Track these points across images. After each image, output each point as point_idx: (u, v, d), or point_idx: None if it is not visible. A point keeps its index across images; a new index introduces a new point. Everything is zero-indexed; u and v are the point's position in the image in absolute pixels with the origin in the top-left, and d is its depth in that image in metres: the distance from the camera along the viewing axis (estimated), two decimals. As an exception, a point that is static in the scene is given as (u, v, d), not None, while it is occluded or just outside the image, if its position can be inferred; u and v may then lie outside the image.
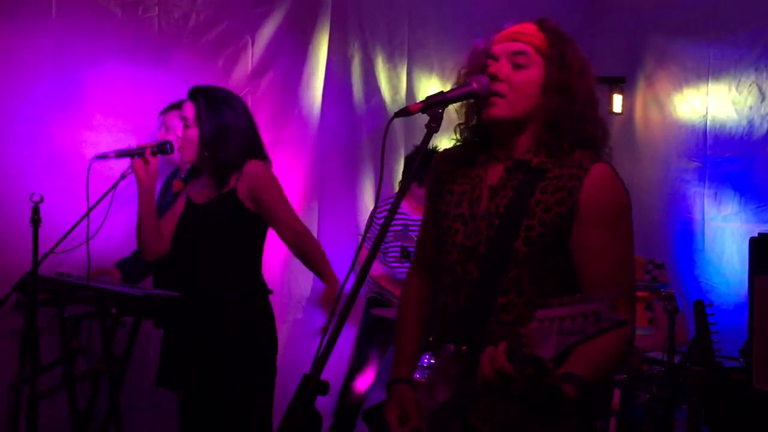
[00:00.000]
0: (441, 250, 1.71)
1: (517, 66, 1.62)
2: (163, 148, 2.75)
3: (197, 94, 2.74)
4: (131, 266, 3.37)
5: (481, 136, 1.71)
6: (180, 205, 2.83)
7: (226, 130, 2.69)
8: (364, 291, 4.01)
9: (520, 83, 1.61)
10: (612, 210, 1.57)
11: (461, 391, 1.48)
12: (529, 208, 1.58)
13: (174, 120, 3.22)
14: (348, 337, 4.05)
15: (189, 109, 2.72)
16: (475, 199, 1.66)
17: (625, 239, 1.58)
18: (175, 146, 2.76)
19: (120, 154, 2.78)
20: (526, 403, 1.39)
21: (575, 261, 1.58)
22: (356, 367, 3.94)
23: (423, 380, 1.68)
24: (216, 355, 2.67)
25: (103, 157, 2.81)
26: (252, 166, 2.71)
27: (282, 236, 2.76)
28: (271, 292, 2.83)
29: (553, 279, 1.59)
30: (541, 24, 1.66)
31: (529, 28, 1.65)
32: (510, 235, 1.58)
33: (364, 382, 3.94)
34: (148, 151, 2.70)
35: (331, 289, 2.75)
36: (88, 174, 2.70)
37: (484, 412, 1.58)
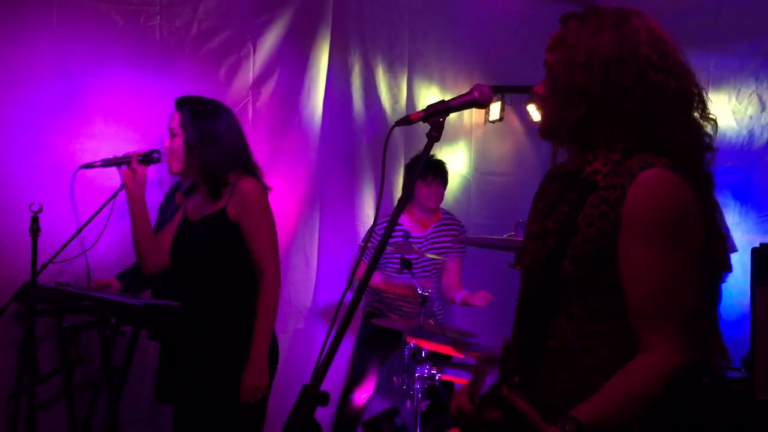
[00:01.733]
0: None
1: (546, 75, 1.58)
2: (149, 157, 2.75)
3: (183, 103, 2.75)
4: (131, 278, 3.36)
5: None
6: (178, 219, 2.82)
7: (209, 138, 2.65)
8: (362, 304, 4.00)
9: (543, 94, 1.57)
10: (657, 220, 1.35)
11: (506, 418, 1.36)
12: (576, 224, 1.44)
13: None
14: (346, 349, 4.03)
15: (175, 119, 2.73)
16: (542, 216, 1.57)
17: (677, 255, 1.34)
18: (164, 156, 2.76)
19: (106, 163, 2.79)
20: None
21: (622, 282, 1.38)
22: (355, 379, 3.92)
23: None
24: (211, 369, 2.65)
25: (89, 166, 2.82)
26: (246, 184, 2.65)
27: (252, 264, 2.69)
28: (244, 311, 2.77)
29: (608, 300, 1.40)
30: (562, 19, 1.56)
31: (554, 32, 1.58)
32: (558, 254, 1.44)
33: (363, 393, 3.92)
34: (134, 160, 2.71)
35: (253, 368, 2.56)
36: (73, 183, 2.74)
37: None
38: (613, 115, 1.45)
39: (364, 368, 3.90)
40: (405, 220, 3.95)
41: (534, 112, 4.16)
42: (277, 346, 2.78)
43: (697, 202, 1.39)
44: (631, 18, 1.50)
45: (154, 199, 3.38)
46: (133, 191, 2.72)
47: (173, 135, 2.72)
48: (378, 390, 4.22)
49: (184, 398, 2.70)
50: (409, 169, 4.04)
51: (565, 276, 1.42)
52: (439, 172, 3.91)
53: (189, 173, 2.74)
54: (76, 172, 2.78)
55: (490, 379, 1.38)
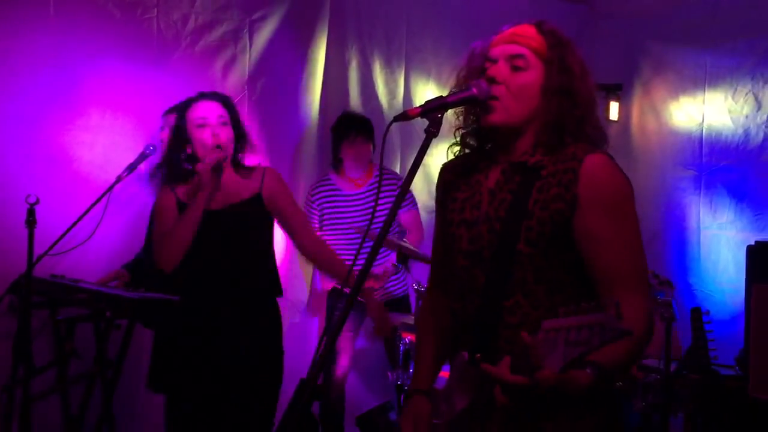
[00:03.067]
0: (449, 258, 1.70)
1: (515, 68, 1.61)
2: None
3: (212, 93, 2.74)
4: (140, 266, 3.33)
5: (480, 139, 1.71)
6: (171, 210, 2.68)
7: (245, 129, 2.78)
8: (326, 286, 4.01)
9: (519, 86, 1.60)
10: (613, 197, 1.55)
11: (479, 399, 1.49)
12: (527, 209, 1.57)
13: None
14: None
15: (221, 108, 2.69)
16: (476, 204, 1.66)
17: (631, 226, 1.56)
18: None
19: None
20: (545, 400, 1.40)
21: (583, 253, 1.56)
22: (330, 359, 3.87)
23: (441, 388, 1.68)
24: (237, 359, 2.65)
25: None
26: (271, 170, 2.77)
27: (301, 246, 2.83)
28: (280, 294, 2.82)
29: (562, 275, 1.57)
30: (539, 26, 1.65)
31: (528, 31, 1.64)
32: (511, 237, 1.57)
33: (339, 369, 3.88)
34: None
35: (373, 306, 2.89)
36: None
37: (501, 418, 1.55)
38: (580, 129, 1.63)
39: (336, 344, 3.84)
40: (337, 180, 3.85)
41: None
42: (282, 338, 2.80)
43: (630, 183, 1.59)
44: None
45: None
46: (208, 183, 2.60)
47: (225, 123, 2.67)
48: (372, 385, 4.22)
49: (194, 386, 2.67)
50: (335, 132, 3.89)
51: (521, 257, 1.56)
52: (361, 129, 3.81)
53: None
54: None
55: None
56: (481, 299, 1.60)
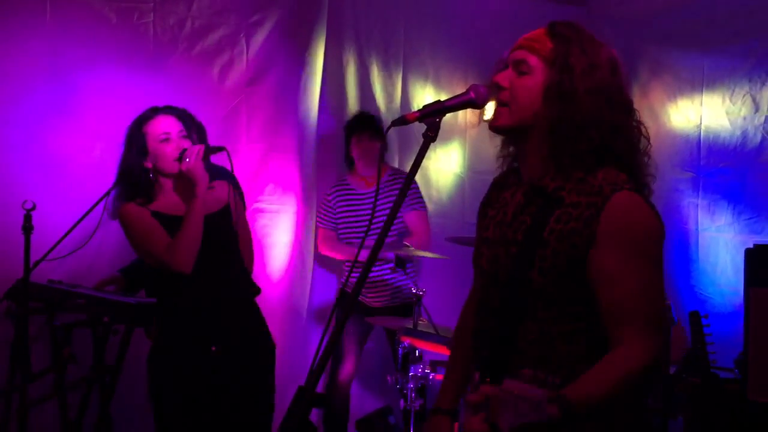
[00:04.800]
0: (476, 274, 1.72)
1: (520, 73, 1.60)
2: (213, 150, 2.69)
3: (181, 112, 2.75)
4: (136, 271, 3.32)
5: (513, 156, 1.69)
6: (154, 224, 2.68)
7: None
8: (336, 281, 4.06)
9: (520, 90, 1.58)
10: (634, 238, 1.49)
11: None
12: (542, 238, 1.53)
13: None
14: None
15: (177, 123, 2.71)
16: (498, 223, 1.65)
17: (649, 267, 1.50)
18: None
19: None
20: None
21: (594, 290, 1.51)
22: (335, 363, 3.89)
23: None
24: (248, 356, 2.69)
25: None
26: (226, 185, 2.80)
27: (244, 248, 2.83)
28: (258, 291, 2.84)
29: (574, 308, 1.53)
30: (551, 28, 1.62)
31: (537, 34, 1.61)
32: (525, 264, 1.54)
33: (344, 372, 3.88)
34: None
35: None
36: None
37: None
38: (603, 144, 1.54)
39: (342, 346, 3.86)
40: (351, 180, 3.95)
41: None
42: (273, 343, 2.80)
43: (659, 221, 1.54)
44: (606, 50, 1.63)
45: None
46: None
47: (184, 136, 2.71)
48: (372, 389, 4.21)
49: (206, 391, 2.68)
50: (345, 130, 3.95)
51: (533, 285, 1.53)
52: (368, 126, 3.85)
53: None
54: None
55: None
56: (494, 321, 1.58)
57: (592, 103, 1.54)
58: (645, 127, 1.62)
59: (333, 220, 3.92)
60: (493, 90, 1.61)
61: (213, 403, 2.66)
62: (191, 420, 2.65)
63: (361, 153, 3.88)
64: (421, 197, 4.01)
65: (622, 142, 1.56)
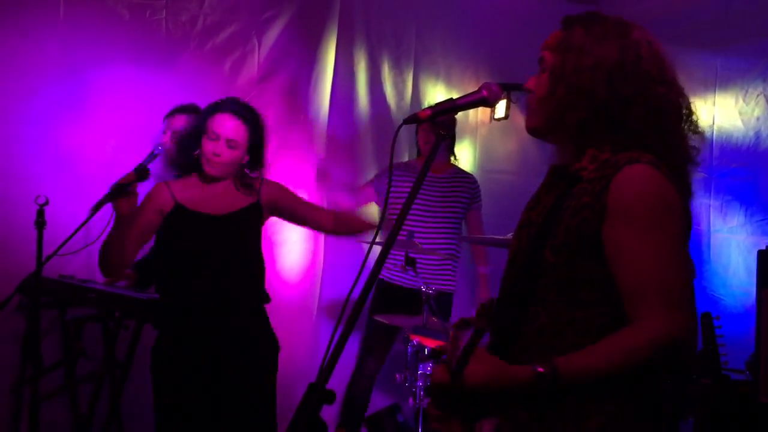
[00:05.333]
0: None
1: (541, 72, 1.59)
2: (144, 174, 2.57)
3: (248, 116, 2.68)
4: (147, 266, 3.34)
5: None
6: (150, 217, 2.68)
7: (264, 146, 2.75)
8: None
9: (538, 87, 1.58)
10: (643, 208, 1.40)
11: None
12: (560, 215, 1.48)
13: (179, 123, 3.21)
14: (352, 347, 4.03)
15: (240, 132, 2.65)
16: (527, 209, 1.63)
17: (665, 239, 1.39)
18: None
19: (108, 199, 2.57)
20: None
21: (611, 269, 1.41)
22: (365, 354, 3.94)
23: None
24: (249, 359, 2.67)
25: (97, 208, 2.59)
26: (268, 180, 2.79)
27: (319, 224, 2.88)
28: (269, 300, 2.82)
29: (586, 292, 1.44)
30: (564, 22, 1.59)
31: (553, 32, 1.60)
32: (540, 244, 1.48)
33: (372, 366, 3.95)
34: (134, 186, 2.56)
35: None
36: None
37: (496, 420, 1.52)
38: (615, 121, 1.49)
39: (380, 336, 3.87)
40: (417, 164, 3.97)
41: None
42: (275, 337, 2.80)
43: (677, 196, 1.44)
44: (633, 30, 1.55)
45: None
46: (129, 212, 2.56)
47: (233, 146, 2.64)
48: (381, 387, 4.21)
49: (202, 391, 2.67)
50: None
51: (546, 264, 1.46)
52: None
53: (227, 175, 2.71)
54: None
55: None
56: (507, 303, 1.54)
57: (587, 77, 1.49)
58: (690, 107, 1.53)
59: (383, 191, 3.89)
60: (527, 96, 1.61)
61: (210, 404, 2.64)
62: (188, 420, 2.64)
63: (423, 142, 3.93)
64: (480, 194, 4.09)
65: (638, 116, 1.48)
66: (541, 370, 1.30)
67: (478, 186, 4.11)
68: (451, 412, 1.35)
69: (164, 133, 3.31)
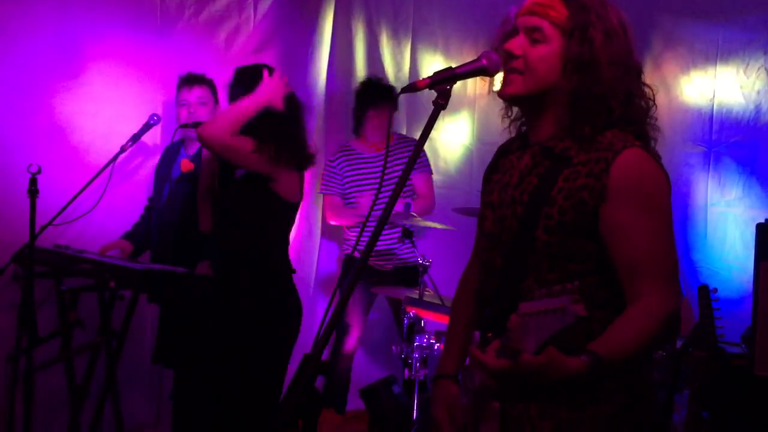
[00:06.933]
0: (478, 238, 1.73)
1: (533, 41, 1.56)
2: None
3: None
4: (141, 236, 3.35)
5: (521, 121, 1.68)
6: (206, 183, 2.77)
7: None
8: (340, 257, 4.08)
9: (535, 59, 1.55)
10: (645, 190, 1.50)
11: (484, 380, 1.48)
12: (550, 196, 1.53)
13: (194, 96, 3.20)
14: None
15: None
16: (504, 186, 1.64)
17: (661, 220, 1.52)
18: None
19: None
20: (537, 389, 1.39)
21: (608, 246, 1.51)
22: (340, 334, 3.91)
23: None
24: (243, 331, 2.66)
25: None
26: None
27: None
28: (293, 271, 2.81)
29: (577, 265, 1.53)
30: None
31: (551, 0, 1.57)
32: (530, 223, 1.53)
33: (350, 344, 3.91)
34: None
35: None
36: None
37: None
38: (605, 91, 1.53)
39: (346, 317, 3.87)
40: (357, 146, 3.94)
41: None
42: (292, 322, 2.79)
43: (667, 178, 1.55)
44: (613, 11, 1.59)
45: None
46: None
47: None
48: (376, 358, 4.23)
49: (192, 361, 2.68)
50: (360, 97, 3.93)
51: (538, 243, 1.52)
52: (387, 100, 3.83)
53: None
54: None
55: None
56: (497, 281, 1.59)
57: (612, 73, 1.53)
58: (651, 89, 1.62)
59: (339, 185, 3.90)
60: (505, 57, 1.57)
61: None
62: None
63: (378, 123, 3.87)
64: (428, 161, 4.01)
65: (636, 107, 1.57)
66: (588, 361, 1.38)
67: (423, 151, 3.94)
68: (509, 391, 1.44)
69: (179, 106, 3.26)
